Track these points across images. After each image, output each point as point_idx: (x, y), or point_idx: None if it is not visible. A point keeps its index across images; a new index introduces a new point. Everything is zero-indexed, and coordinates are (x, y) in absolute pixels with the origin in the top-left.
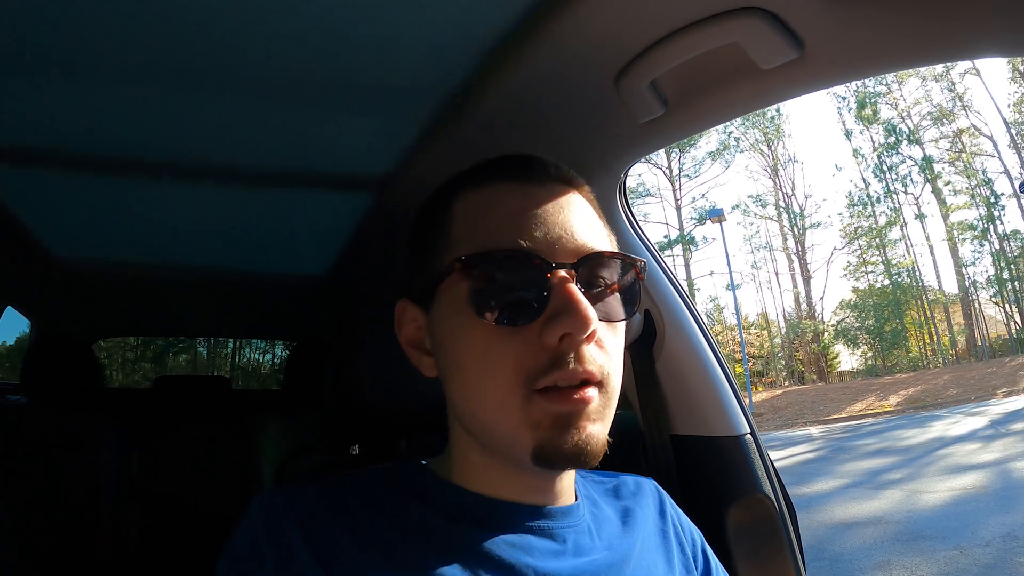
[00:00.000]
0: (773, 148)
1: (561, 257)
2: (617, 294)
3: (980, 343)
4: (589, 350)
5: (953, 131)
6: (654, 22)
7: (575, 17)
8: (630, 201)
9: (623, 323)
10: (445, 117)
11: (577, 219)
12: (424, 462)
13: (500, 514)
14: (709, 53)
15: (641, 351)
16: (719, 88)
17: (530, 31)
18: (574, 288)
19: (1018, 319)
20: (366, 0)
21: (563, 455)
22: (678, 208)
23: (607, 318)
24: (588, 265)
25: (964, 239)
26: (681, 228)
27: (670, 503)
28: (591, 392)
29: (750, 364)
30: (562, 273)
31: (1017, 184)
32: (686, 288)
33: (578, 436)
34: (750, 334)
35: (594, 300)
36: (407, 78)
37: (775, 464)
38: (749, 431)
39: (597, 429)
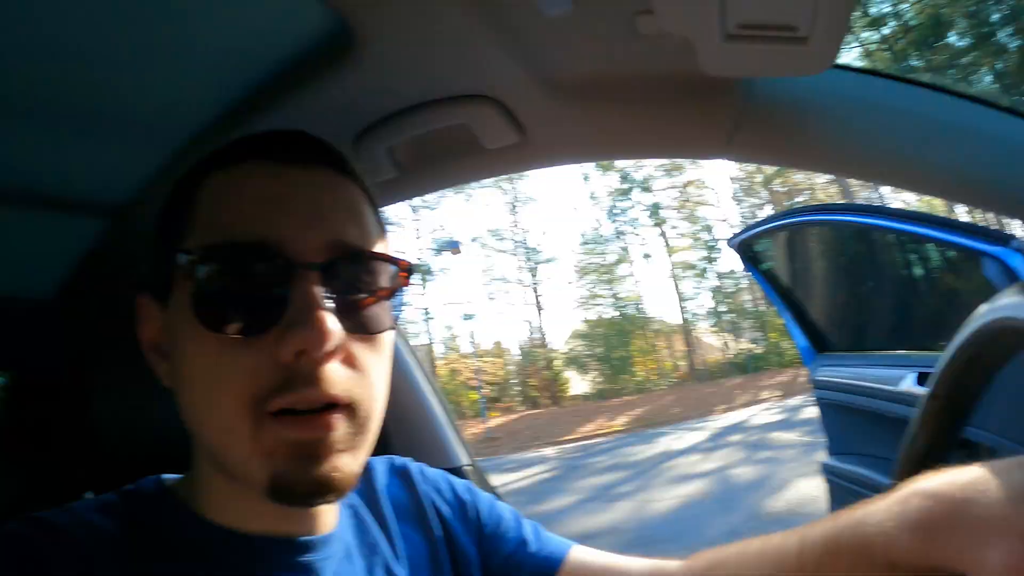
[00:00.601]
0: (513, 186)
1: (311, 255)
2: (379, 302)
3: (700, 367)
4: (332, 369)
5: (682, 182)
6: (393, 96)
7: (320, 80)
8: None
9: (386, 336)
10: (188, 154)
11: (340, 211)
12: (165, 479)
13: (247, 553)
14: (442, 129)
15: None
16: (448, 160)
17: (277, 86)
18: (316, 294)
19: (731, 345)
20: (107, 38)
21: (302, 491)
22: (417, 239)
23: (363, 330)
24: (342, 266)
25: (686, 277)
26: (419, 259)
27: (420, 476)
28: (336, 418)
29: (486, 391)
30: (307, 274)
31: (727, 239)
32: (423, 318)
33: (320, 469)
34: (485, 362)
35: (347, 308)
36: (150, 113)
37: (501, 489)
38: (469, 462)
39: (345, 461)
